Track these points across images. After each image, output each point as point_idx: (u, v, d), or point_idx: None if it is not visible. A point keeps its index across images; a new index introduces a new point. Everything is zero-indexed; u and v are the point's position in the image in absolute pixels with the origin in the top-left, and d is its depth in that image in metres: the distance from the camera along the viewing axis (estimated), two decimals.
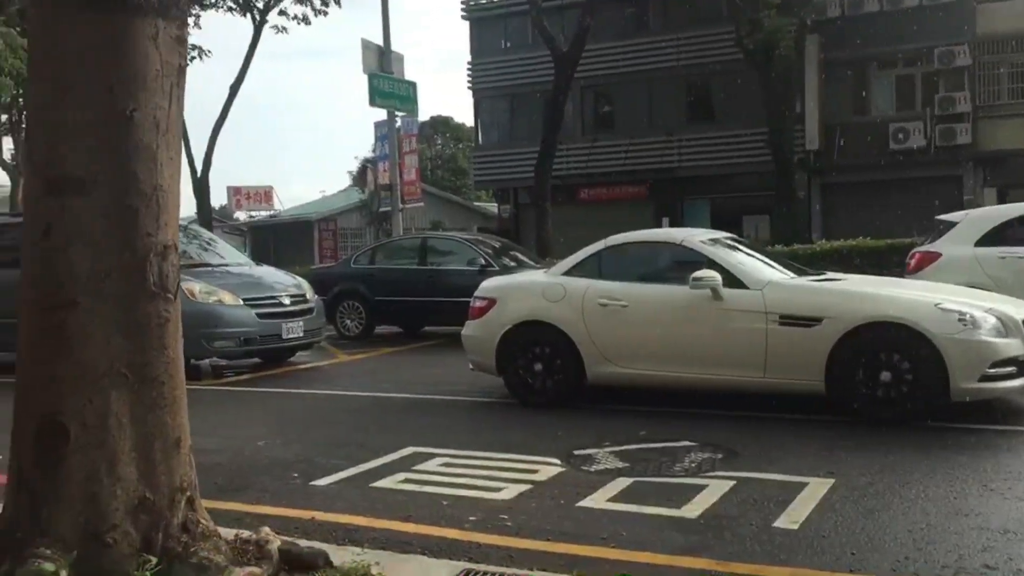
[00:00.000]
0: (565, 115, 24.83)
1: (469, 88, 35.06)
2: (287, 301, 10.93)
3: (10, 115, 33.66)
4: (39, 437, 3.29)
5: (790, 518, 4.53)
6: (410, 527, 4.59)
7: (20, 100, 32.29)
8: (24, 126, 37.41)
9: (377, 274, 14.58)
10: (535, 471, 5.58)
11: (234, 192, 43.97)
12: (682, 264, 7.60)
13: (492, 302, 8.14)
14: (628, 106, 31.72)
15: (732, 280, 7.15)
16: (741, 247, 8.07)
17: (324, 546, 3.94)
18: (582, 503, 4.91)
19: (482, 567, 3.86)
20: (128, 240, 3.40)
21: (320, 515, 4.81)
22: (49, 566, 3.08)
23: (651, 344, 7.41)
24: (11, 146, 34.68)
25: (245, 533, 3.79)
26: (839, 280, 7.66)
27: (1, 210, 30.72)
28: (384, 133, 20.91)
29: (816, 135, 27.00)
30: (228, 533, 3.76)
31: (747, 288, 7.10)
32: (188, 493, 3.52)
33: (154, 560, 3.28)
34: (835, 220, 26.53)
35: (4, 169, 33.60)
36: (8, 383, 8.96)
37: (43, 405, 3.32)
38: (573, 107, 29.64)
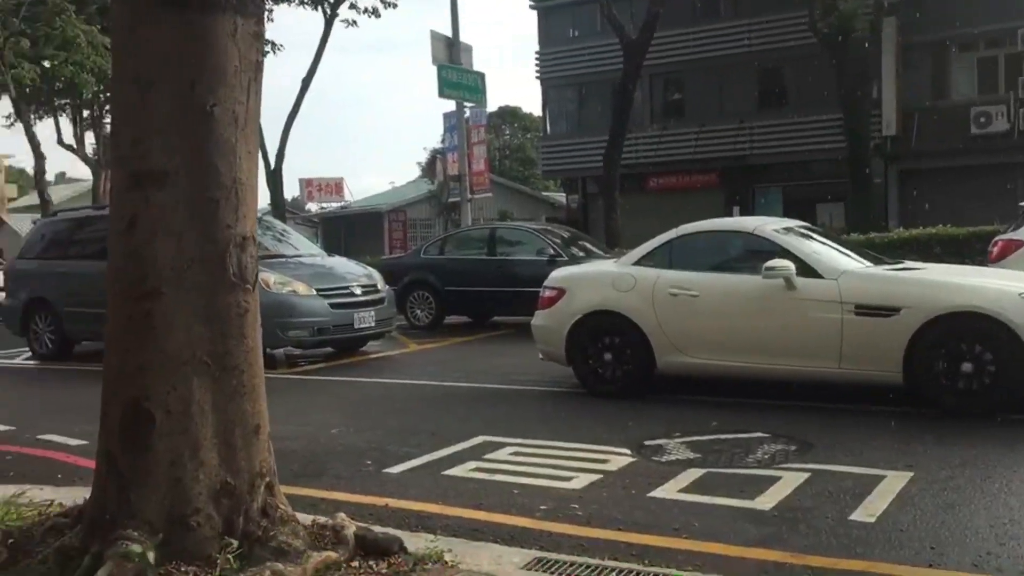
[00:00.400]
0: (634, 103, 24.64)
1: (537, 78, 35.02)
2: (359, 291, 11.08)
3: (92, 111, 34.74)
4: (126, 423, 3.41)
5: (867, 511, 4.46)
6: (482, 515, 4.63)
7: (101, 96, 33.38)
8: (106, 121, 38.52)
9: (447, 264, 14.69)
10: (605, 461, 5.58)
11: (306, 184, 44.68)
12: (754, 253, 7.50)
13: (561, 292, 8.14)
14: (698, 93, 31.35)
15: (806, 269, 7.03)
16: (815, 236, 7.93)
17: (398, 532, 4.00)
18: (653, 493, 4.90)
19: (553, 555, 3.88)
20: (209, 232, 3.50)
21: (393, 502, 4.89)
22: (136, 548, 3.19)
23: (723, 334, 7.34)
24: (93, 141, 35.81)
25: (322, 519, 3.88)
26: (918, 269, 7.48)
27: (84, 203, 31.73)
28: (453, 124, 21.04)
29: (893, 120, 26.31)
30: (305, 518, 3.84)
31: (821, 277, 6.98)
32: (267, 479, 3.61)
33: (235, 543, 3.37)
34: (913, 207, 25.85)
35: (87, 163, 34.68)
36: (96, 371, 9.25)
37: (130, 392, 3.43)
38: (642, 95, 29.40)
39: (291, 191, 44.18)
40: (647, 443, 6.01)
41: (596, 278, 8.30)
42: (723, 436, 6.15)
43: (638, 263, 7.92)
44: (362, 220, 41.92)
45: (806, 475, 5.10)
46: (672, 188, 30.92)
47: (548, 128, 36.29)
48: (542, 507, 4.72)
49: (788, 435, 6.08)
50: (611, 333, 7.74)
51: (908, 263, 7.98)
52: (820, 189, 27.98)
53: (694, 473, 5.24)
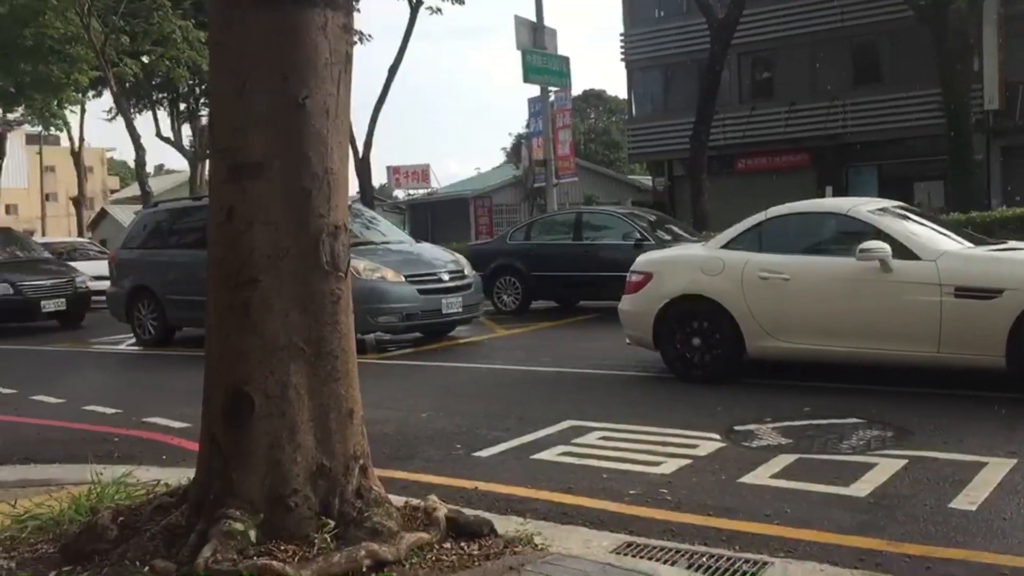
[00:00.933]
0: (721, 83, 24.21)
1: (622, 60, 34.70)
2: (446, 277, 11.20)
3: (188, 104, 35.82)
4: (228, 406, 3.53)
5: (968, 499, 4.34)
6: (570, 499, 4.66)
7: (197, 90, 34.37)
8: (201, 114, 39.43)
9: (533, 249, 14.73)
10: (695, 446, 5.54)
11: (393, 171, 45.23)
12: (848, 235, 7.33)
13: (649, 276, 8.09)
14: (788, 71, 30.61)
15: (902, 251, 6.84)
16: (912, 216, 7.70)
17: (488, 515, 4.06)
18: (744, 479, 4.85)
19: (642, 540, 3.88)
20: (303, 221, 3.59)
21: (483, 485, 4.95)
22: (239, 526, 3.31)
23: (815, 318, 7.19)
24: (189, 133, 36.93)
25: (414, 501, 3.95)
26: (1021, 249, 7.19)
27: (182, 194, 32.77)
28: (538, 109, 21.02)
29: (996, 94, 25.25)
30: (398, 500, 3.93)
31: (919, 259, 6.78)
32: (361, 461, 3.70)
33: (332, 523, 3.47)
34: (1017, 185, 24.80)
35: (183, 155, 35.76)
36: (196, 356, 9.56)
37: (231, 376, 3.56)
38: (730, 75, 28.85)
39: (378, 178, 44.79)
40: (737, 428, 5.94)
41: (684, 262, 8.23)
42: (816, 422, 6.04)
43: (727, 246, 7.82)
44: (448, 206, 42.26)
45: (903, 462, 4.98)
46: (761, 169, 30.31)
47: (634, 110, 35.94)
48: (631, 492, 4.72)
49: (884, 421, 5.94)
50: (699, 318, 7.66)
51: (1011, 243, 7.68)
52: (918, 167, 27.07)
53: (786, 459, 5.17)
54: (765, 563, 3.58)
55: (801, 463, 5.10)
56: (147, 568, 3.25)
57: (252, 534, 3.33)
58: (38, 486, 4.94)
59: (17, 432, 6.88)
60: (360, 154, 27.90)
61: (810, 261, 7.43)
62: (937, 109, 23.99)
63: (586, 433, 6.01)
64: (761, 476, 4.89)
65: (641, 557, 3.65)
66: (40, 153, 54.46)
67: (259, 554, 3.26)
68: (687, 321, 7.74)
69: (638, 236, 13.49)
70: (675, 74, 33.08)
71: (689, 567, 3.55)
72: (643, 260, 8.45)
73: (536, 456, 5.55)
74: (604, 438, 5.88)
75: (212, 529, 3.32)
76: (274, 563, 3.18)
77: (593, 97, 64.87)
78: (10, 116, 34.29)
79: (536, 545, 3.74)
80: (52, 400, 8.28)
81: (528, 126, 26.91)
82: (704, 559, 3.62)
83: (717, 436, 5.75)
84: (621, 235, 13.86)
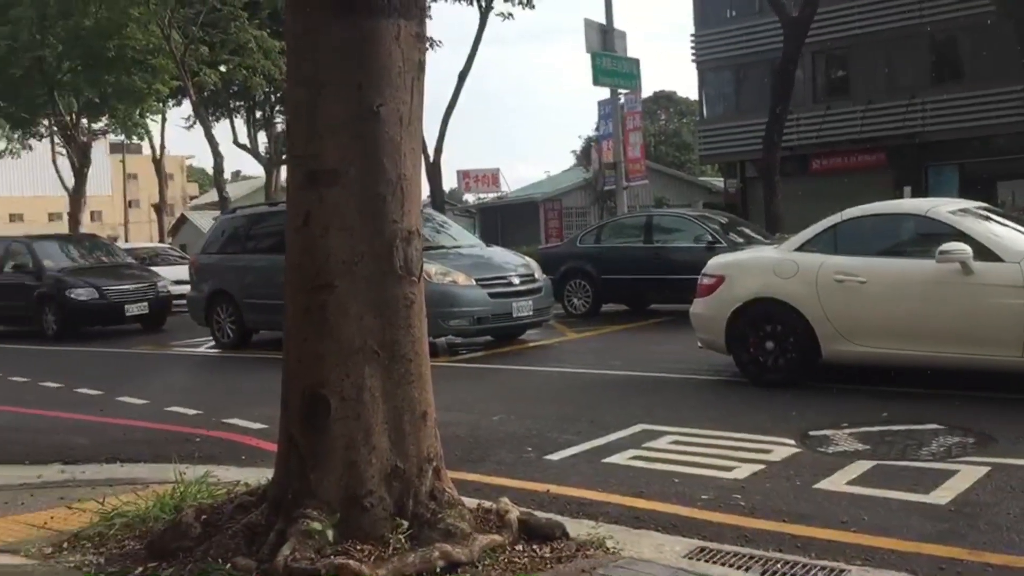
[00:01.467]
0: (795, 82, 23.81)
1: (693, 61, 34.39)
2: (517, 281, 11.24)
3: (263, 112, 36.61)
4: (306, 408, 3.62)
5: None
6: (642, 503, 4.65)
7: (272, 98, 35.10)
8: (276, 121, 40.09)
9: (603, 253, 14.69)
10: (768, 451, 5.47)
11: (463, 175, 45.55)
12: (927, 237, 7.17)
13: (721, 279, 8.01)
14: (864, 69, 29.96)
15: (984, 252, 6.65)
16: (994, 216, 7.48)
17: (559, 518, 4.07)
18: (819, 485, 4.78)
19: (715, 545, 3.86)
20: (377, 226, 3.66)
21: (554, 488, 4.97)
22: (317, 525, 3.39)
23: (893, 321, 7.04)
24: (265, 140, 37.73)
25: (486, 503, 3.99)
26: None
27: (258, 200, 33.46)
28: (607, 111, 20.97)
29: None
30: (470, 502, 3.97)
31: (1002, 261, 6.58)
32: (435, 463, 3.75)
33: (406, 524, 3.52)
34: None
35: (259, 161, 36.54)
36: (272, 358, 9.75)
37: (308, 379, 3.64)
38: (803, 73, 28.37)
39: (449, 183, 45.16)
40: (812, 433, 5.85)
41: (757, 265, 8.13)
42: (894, 427, 5.92)
43: (801, 249, 7.70)
44: (518, 210, 42.38)
45: (986, 469, 4.85)
46: (836, 170, 29.72)
47: (705, 112, 35.60)
48: (703, 496, 4.69)
49: (965, 427, 5.79)
50: (773, 321, 7.56)
51: None
52: (1001, 166, 26.26)
53: (863, 465, 5.08)
54: (842, 570, 3.53)
55: (879, 469, 5.00)
56: (229, 565, 3.34)
57: (329, 534, 3.41)
58: (125, 484, 5.12)
59: (104, 432, 7.12)
60: (431, 159, 28.17)
61: (888, 264, 7.27)
62: (1021, 105, 23.24)
63: (658, 437, 5.98)
64: (837, 482, 4.81)
65: (714, 563, 3.62)
66: (123, 161, 56.23)
67: (336, 553, 3.33)
68: (760, 324, 7.64)
69: (710, 238, 13.36)
70: (747, 74, 32.66)
71: (763, 573, 3.52)
72: (715, 263, 8.37)
73: (607, 460, 5.54)
74: (676, 442, 5.85)
75: (291, 528, 3.41)
76: (351, 562, 3.24)
77: (663, 99, 64.38)
78: (95, 126, 35.50)
79: (608, 549, 3.74)
80: (136, 401, 8.55)
81: (598, 129, 26.88)
82: (779, 566, 3.58)
83: (791, 441, 5.67)
84: (692, 237, 13.75)
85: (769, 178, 21.98)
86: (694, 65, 34.45)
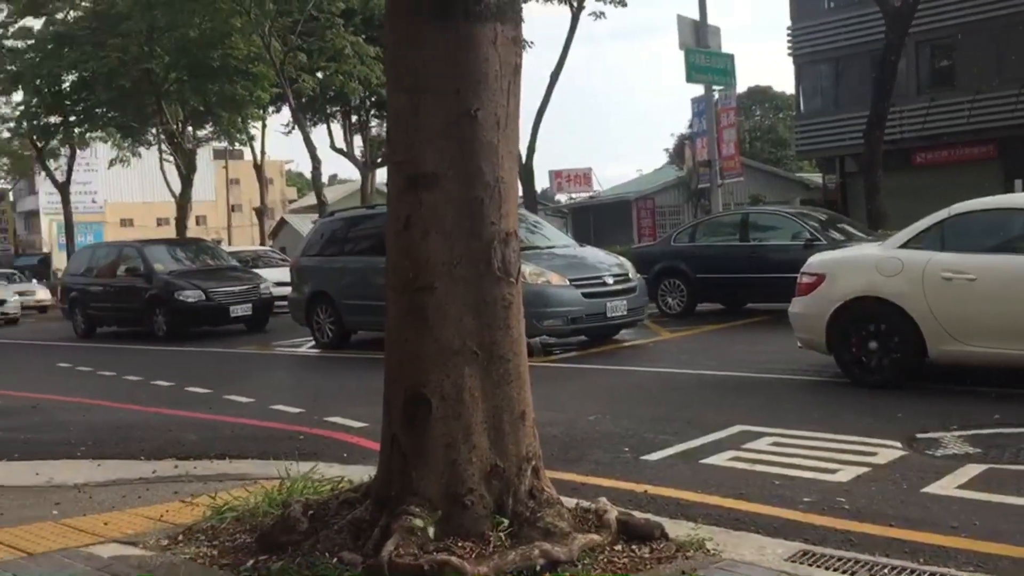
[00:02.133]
0: (898, 74, 23.08)
1: (789, 55, 33.66)
2: (611, 280, 11.21)
3: (359, 116, 37.33)
4: (407, 407, 3.70)
5: None
6: (742, 505, 4.59)
7: (367, 102, 35.77)
8: (372, 126, 40.81)
9: (698, 251, 14.53)
10: (873, 454, 5.34)
11: (555, 175, 45.56)
12: None
13: (821, 278, 7.84)
14: (971, 59, 28.81)
15: None
16: None
17: (658, 519, 4.06)
18: (927, 489, 4.64)
19: (819, 549, 3.79)
20: (475, 229, 3.71)
21: (652, 489, 4.94)
22: (419, 522, 3.46)
23: (1005, 320, 6.77)
24: (361, 144, 38.47)
25: (585, 503, 4.00)
26: None
27: (354, 203, 34.13)
28: (701, 108, 20.70)
29: None
30: (569, 502, 3.99)
31: None
32: (533, 463, 3.78)
33: (506, 522, 3.57)
34: None
35: (355, 165, 37.26)
36: (370, 358, 9.98)
37: (409, 379, 3.72)
38: (906, 65, 27.45)
39: (541, 183, 45.26)
40: (919, 436, 5.68)
41: (859, 262, 7.93)
42: (1007, 430, 5.70)
43: (905, 246, 7.48)
44: (610, 209, 42.16)
45: None
46: (942, 163, 28.68)
47: (802, 106, 34.79)
48: (805, 499, 4.61)
49: None
50: (876, 320, 7.37)
51: None
52: None
53: (974, 469, 4.91)
54: None
55: (991, 473, 4.83)
56: (336, 559, 3.44)
57: (430, 531, 3.47)
58: (234, 480, 5.31)
59: (213, 429, 7.38)
60: (523, 160, 28.30)
61: (999, 260, 7.00)
62: None
63: (757, 438, 5.90)
64: (946, 486, 4.66)
65: (818, 567, 3.56)
66: (226, 167, 58.08)
67: (438, 550, 3.39)
68: (863, 324, 7.45)
69: (808, 236, 13.07)
70: (846, 66, 31.79)
71: None
72: (815, 261, 8.20)
73: (705, 461, 5.49)
74: (776, 444, 5.75)
75: (394, 524, 3.48)
76: (453, 559, 3.30)
77: (759, 94, 63.20)
78: (200, 133, 36.78)
79: (708, 550, 3.71)
80: (242, 399, 8.84)
81: (691, 126, 26.54)
82: (886, 571, 3.50)
83: (898, 444, 5.52)
84: (790, 235, 13.47)
85: (870, 173, 21.36)
86: (791, 59, 33.71)
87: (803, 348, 8.16)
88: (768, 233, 14.06)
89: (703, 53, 18.51)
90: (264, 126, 40.53)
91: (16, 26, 32.21)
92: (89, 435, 7.20)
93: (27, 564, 3.91)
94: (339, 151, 36.78)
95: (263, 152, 43.76)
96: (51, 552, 4.07)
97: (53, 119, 33.99)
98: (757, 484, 4.94)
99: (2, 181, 54.70)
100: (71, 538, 4.26)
